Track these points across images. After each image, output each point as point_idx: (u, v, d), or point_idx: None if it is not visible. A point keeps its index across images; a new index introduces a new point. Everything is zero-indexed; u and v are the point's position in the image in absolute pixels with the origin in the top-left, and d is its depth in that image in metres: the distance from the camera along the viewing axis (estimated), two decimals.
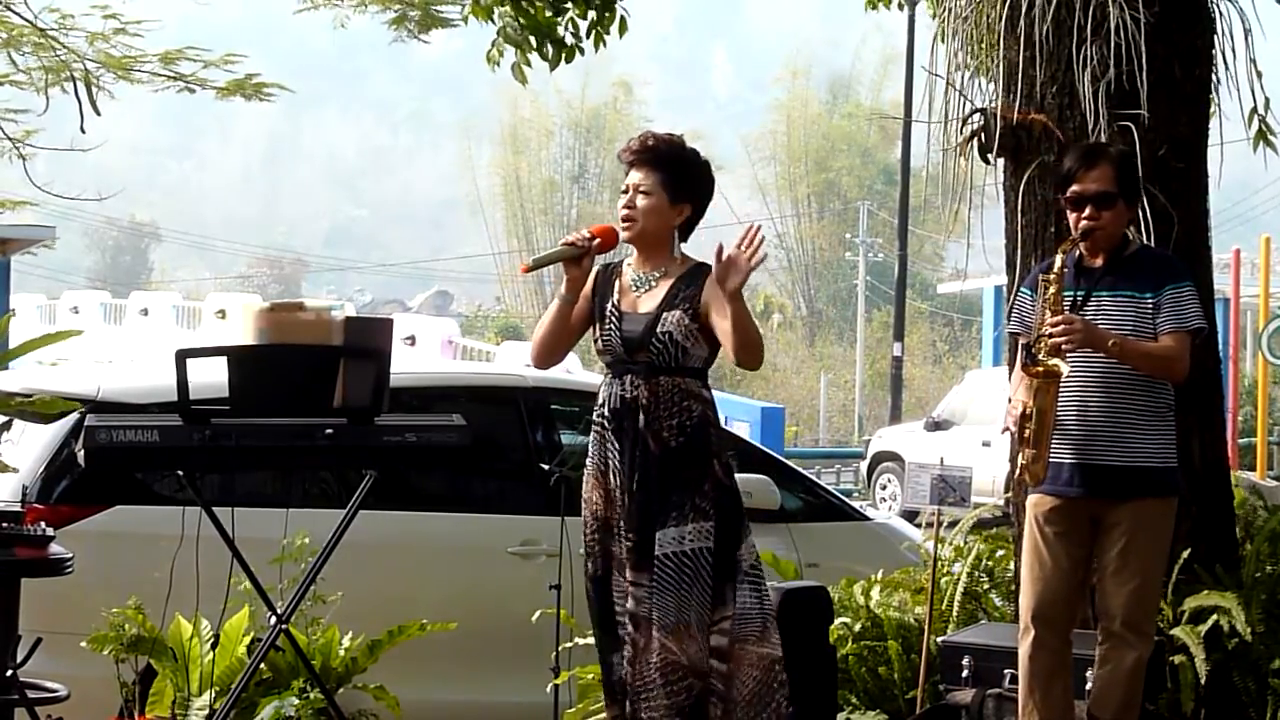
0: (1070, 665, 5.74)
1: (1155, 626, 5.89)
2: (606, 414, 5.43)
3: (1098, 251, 5.72)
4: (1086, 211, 5.67)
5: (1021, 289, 5.93)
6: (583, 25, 8.30)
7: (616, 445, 5.39)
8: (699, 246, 5.64)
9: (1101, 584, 5.68)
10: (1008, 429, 5.63)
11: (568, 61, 8.30)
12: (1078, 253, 5.74)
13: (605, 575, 5.44)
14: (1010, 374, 6.14)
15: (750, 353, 5.29)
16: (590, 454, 5.48)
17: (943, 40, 7.05)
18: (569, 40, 8.26)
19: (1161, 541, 5.71)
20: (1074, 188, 5.71)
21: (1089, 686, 5.76)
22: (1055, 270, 5.62)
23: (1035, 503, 5.74)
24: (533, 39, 8.11)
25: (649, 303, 5.45)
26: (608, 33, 8.35)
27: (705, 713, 5.32)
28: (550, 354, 5.59)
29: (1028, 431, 5.56)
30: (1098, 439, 5.61)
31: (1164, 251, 6.19)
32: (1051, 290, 5.60)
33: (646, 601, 5.31)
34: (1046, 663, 5.69)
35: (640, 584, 5.32)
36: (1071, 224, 5.73)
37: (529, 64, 8.18)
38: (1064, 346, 5.51)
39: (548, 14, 8.11)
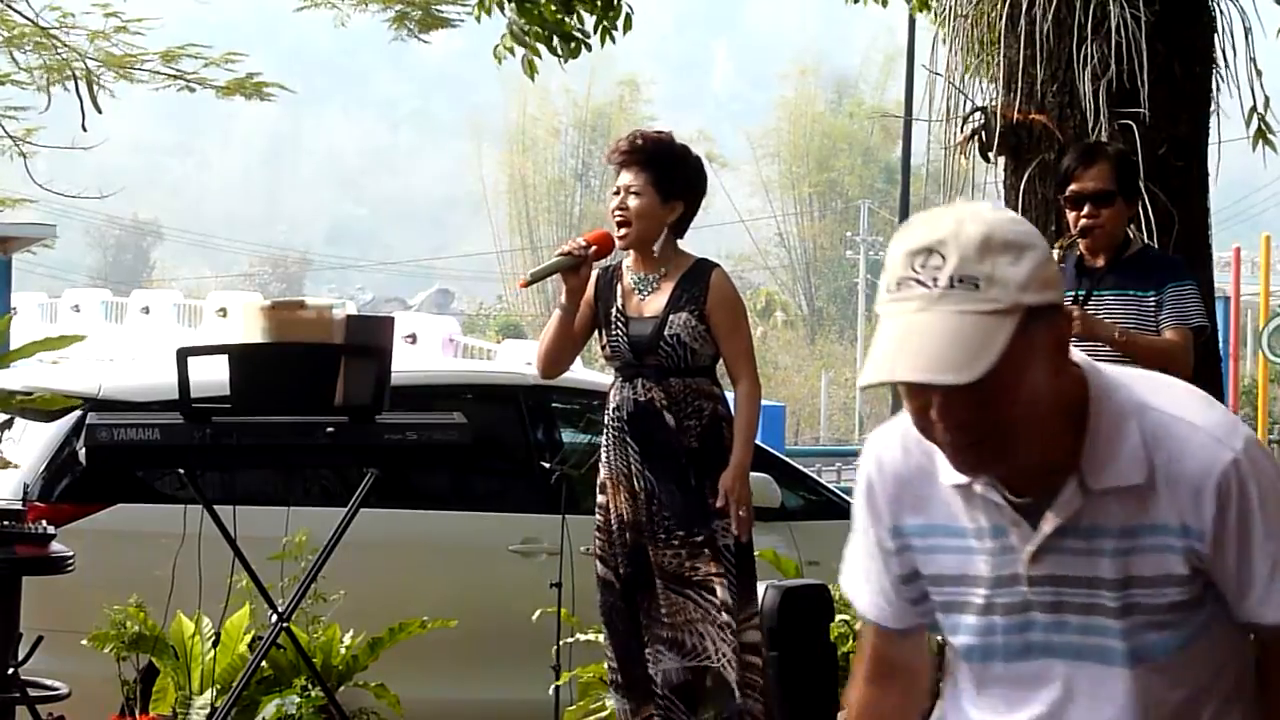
0: None
1: None
2: (624, 417, 5.40)
3: (1098, 251, 5.71)
4: (1085, 210, 5.67)
5: None
6: (589, 21, 8.31)
7: (637, 448, 5.37)
8: (702, 245, 5.64)
9: None
10: None
11: (574, 56, 8.30)
12: (1079, 253, 5.74)
13: (636, 577, 5.37)
14: None
15: None
16: (606, 458, 5.45)
17: (943, 40, 7.05)
18: (578, 35, 8.26)
19: None
20: (1072, 186, 5.71)
21: None
22: None
23: None
24: (548, 33, 8.11)
25: (654, 305, 5.43)
26: (615, 29, 8.35)
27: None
28: (556, 363, 5.59)
29: None
30: None
31: (1166, 252, 6.19)
32: None
33: (732, 594, 5.28)
34: None
35: (719, 575, 5.28)
36: (1070, 222, 5.73)
37: (539, 55, 8.18)
38: None
39: (553, 9, 8.11)
